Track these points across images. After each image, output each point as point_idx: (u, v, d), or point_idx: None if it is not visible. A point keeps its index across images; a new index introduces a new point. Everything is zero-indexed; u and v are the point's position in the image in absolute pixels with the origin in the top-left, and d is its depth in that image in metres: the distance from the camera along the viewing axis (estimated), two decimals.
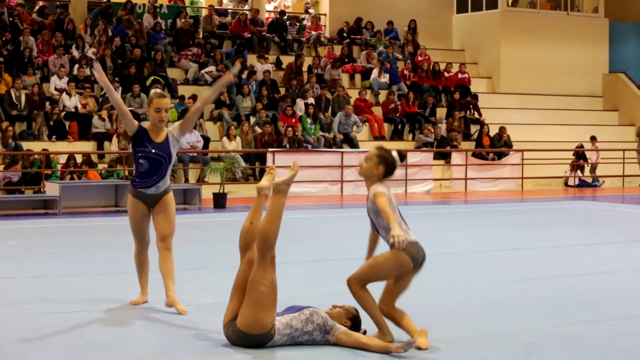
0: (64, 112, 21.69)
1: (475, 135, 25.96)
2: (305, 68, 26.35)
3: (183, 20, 26.18)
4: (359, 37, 28.96)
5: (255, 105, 23.46)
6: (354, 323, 6.49)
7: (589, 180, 25.93)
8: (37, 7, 26.27)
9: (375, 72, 26.73)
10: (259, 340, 6.17)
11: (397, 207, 6.48)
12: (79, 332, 6.79)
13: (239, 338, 6.21)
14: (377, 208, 6.37)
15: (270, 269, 6.21)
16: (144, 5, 26.59)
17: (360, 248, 11.95)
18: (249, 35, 26.82)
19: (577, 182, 25.51)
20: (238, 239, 6.52)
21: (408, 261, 6.35)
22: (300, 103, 23.84)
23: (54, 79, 22.53)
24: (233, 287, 6.41)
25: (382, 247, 6.61)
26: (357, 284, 6.46)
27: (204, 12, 28.12)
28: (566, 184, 25.64)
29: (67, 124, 21.57)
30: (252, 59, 25.80)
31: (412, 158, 23.03)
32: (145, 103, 22.66)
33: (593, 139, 26.53)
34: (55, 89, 22.38)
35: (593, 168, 26.27)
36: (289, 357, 6.08)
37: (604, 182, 26.09)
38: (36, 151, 19.82)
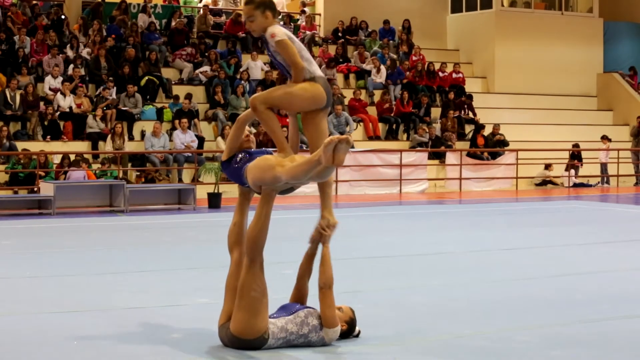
0: (58, 112, 21.66)
1: (470, 135, 25.98)
2: None
3: (177, 20, 26.16)
4: (354, 37, 28.97)
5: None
6: (350, 326, 6.49)
7: (594, 181, 25.99)
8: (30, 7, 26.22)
9: (382, 71, 26.78)
10: (252, 344, 6.18)
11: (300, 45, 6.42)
12: (74, 332, 6.78)
13: (233, 342, 6.22)
14: (279, 50, 6.24)
15: (260, 273, 6.18)
16: (138, 5, 26.56)
17: (355, 248, 11.96)
18: (244, 34, 26.81)
19: (572, 182, 25.53)
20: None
21: (323, 96, 6.31)
22: None
23: (48, 79, 22.51)
24: (225, 288, 6.41)
25: None
26: (263, 104, 6.29)
27: (198, 12, 28.10)
28: (546, 183, 25.59)
29: (61, 123, 21.55)
30: (246, 59, 25.79)
31: (406, 158, 23.05)
32: (139, 103, 22.65)
33: (605, 138, 26.55)
34: (50, 89, 22.35)
35: (604, 167, 26.30)
36: (284, 358, 6.08)
37: (598, 183, 26.11)
38: (31, 151, 19.80)
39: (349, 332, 6.48)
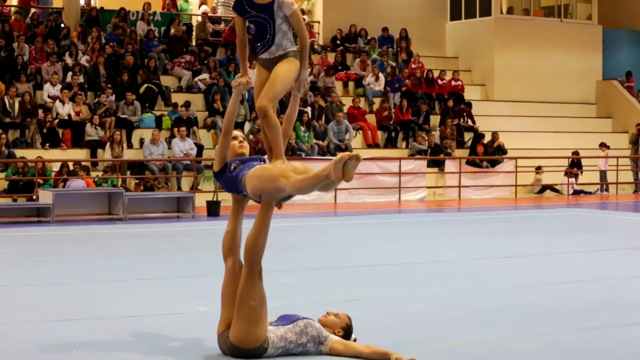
0: (57, 120, 21.66)
1: (469, 143, 25.98)
2: None
3: (176, 27, 26.17)
4: (353, 45, 28.98)
5: (249, 113, 23.46)
6: (346, 333, 6.48)
7: (593, 188, 25.97)
8: (30, 14, 26.22)
9: (381, 79, 26.80)
10: (252, 354, 6.19)
11: None
12: (73, 340, 6.77)
13: (232, 351, 6.23)
14: (290, 14, 6.41)
15: (259, 282, 6.19)
16: (137, 12, 26.58)
17: (354, 256, 11.95)
18: None
19: (571, 190, 25.52)
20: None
21: (298, 63, 6.59)
22: None
23: (47, 87, 22.51)
24: (221, 297, 6.41)
25: None
26: (273, 104, 6.46)
27: (196, 20, 28.09)
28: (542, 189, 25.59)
29: (60, 131, 21.54)
30: None
31: (405, 166, 23.04)
32: (138, 111, 22.65)
33: (603, 145, 26.56)
34: (49, 97, 22.35)
35: (603, 175, 26.28)
36: None
37: (597, 190, 26.11)
38: (30, 159, 19.80)
39: (345, 339, 6.47)
